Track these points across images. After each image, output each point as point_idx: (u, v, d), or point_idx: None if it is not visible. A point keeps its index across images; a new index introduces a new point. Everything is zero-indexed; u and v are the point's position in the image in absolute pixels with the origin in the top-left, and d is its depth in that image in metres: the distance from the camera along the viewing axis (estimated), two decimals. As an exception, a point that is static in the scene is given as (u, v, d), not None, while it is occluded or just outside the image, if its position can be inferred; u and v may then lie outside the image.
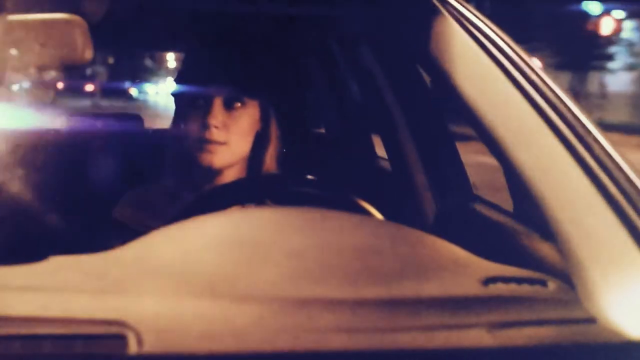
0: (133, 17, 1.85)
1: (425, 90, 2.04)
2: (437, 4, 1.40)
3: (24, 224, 2.08)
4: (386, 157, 2.38)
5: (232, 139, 1.70)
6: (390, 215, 1.46)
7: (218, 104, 1.68)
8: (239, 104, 1.70)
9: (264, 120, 1.77)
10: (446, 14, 1.36)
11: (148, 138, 2.97)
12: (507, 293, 1.04)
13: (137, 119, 3.08)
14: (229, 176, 1.72)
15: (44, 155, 2.55)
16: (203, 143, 1.67)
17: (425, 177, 2.06)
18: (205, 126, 1.66)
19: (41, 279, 0.93)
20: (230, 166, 1.72)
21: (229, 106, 1.70)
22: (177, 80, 1.78)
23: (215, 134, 1.67)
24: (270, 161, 1.78)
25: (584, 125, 1.23)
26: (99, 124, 2.87)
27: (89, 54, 0.99)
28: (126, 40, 2.57)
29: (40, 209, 2.28)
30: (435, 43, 1.32)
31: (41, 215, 2.27)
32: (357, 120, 2.77)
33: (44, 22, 1.01)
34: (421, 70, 1.95)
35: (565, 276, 1.11)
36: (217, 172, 1.71)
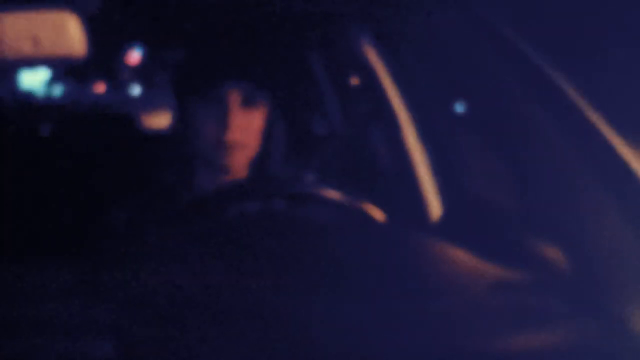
0: (129, 11, 1.83)
1: (430, 89, 2.03)
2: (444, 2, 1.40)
3: (22, 225, 2.07)
4: (389, 157, 2.37)
5: (250, 139, 1.66)
6: (394, 217, 1.45)
7: (235, 103, 1.61)
8: (255, 103, 1.66)
9: (272, 119, 1.74)
10: (451, 11, 1.35)
11: (145, 138, 2.97)
12: (514, 298, 1.03)
13: (134, 118, 3.07)
14: (233, 176, 1.69)
15: (40, 157, 2.55)
16: (221, 145, 1.61)
17: (430, 178, 2.05)
18: (224, 127, 1.59)
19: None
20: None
21: (246, 105, 1.65)
22: (181, 77, 1.73)
23: (235, 135, 1.60)
24: (275, 162, 1.76)
25: (591, 125, 1.21)
26: (96, 124, 2.86)
27: (83, 49, 0.98)
28: (122, 35, 2.55)
29: (38, 211, 2.27)
30: (440, 41, 1.31)
31: (41, 217, 2.26)
32: (361, 120, 2.76)
33: (38, 17, 1.00)
34: (424, 70, 1.94)
35: (571, 279, 1.10)
36: (222, 172, 1.68)
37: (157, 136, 2.91)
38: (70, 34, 0.97)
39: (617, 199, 1.13)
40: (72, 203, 2.35)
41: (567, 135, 1.21)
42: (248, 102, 1.64)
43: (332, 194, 1.47)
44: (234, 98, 1.62)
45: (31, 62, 0.99)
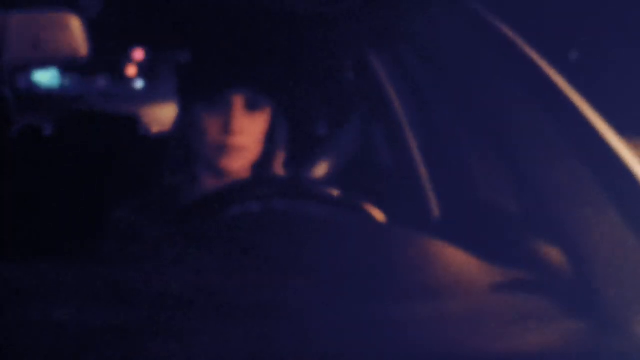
0: (132, 13, 1.83)
1: (430, 88, 2.03)
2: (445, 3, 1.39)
3: (22, 225, 2.07)
4: (390, 157, 2.36)
5: (252, 143, 1.65)
6: (395, 217, 1.45)
7: (239, 106, 1.60)
8: (258, 107, 1.65)
9: (275, 121, 1.73)
10: (451, 11, 1.35)
11: (147, 139, 2.97)
12: (514, 298, 1.03)
13: (135, 120, 3.07)
14: (235, 177, 1.69)
15: (42, 157, 2.55)
16: (223, 148, 1.60)
17: (430, 178, 2.04)
18: (227, 131, 1.58)
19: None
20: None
21: (250, 109, 1.64)
22: (185, 80, 1.73)
23: (238, 139, 1.60)
24: (277, 163, 1.76)
25: (591, 125, 1.21)
26: (98, 125, 2.86)
27: (84, 50, 0.98)
28: (125, 36, 2.55)
29: (39, 211, 2.27)
30: (441, 39, 1.31)
31: (41, 217, 2.26)
32: (361, 120, 2.76)
33: (40, 19, 1.00)
34: (424, 70, 1.94)
35: (571, 279, 1.10)
36: (224, 174, 1.67)
37: (159, 137, 2.91)
38: (72, 35, 0.97)
39: (617, 199, 1.12)
40: (73, 203, 2.36)
41: (567, 135, 1.20)
42: (251, 107, 1.63)
43: (333, 194, 1.47)
44: (238, 103, 1.61)
45: (35, 63, 0.99)
